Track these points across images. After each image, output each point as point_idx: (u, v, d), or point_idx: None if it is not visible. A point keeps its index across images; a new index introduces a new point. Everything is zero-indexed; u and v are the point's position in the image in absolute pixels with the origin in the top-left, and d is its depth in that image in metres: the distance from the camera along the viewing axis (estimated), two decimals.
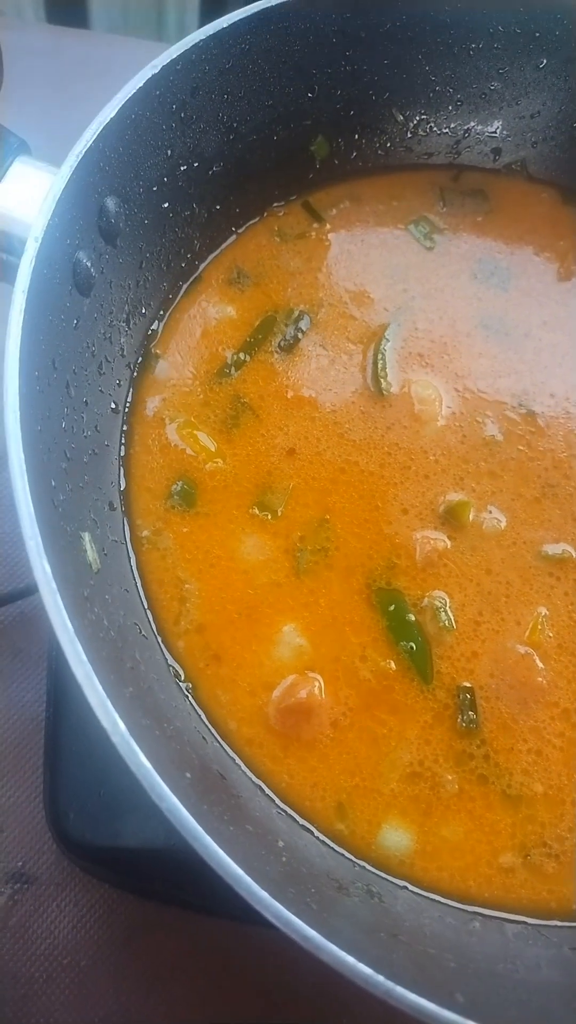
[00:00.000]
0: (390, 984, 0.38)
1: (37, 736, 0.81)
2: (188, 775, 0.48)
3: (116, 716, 0.41)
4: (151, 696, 0.54)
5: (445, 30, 0.74)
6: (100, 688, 0.42)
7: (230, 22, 0.63)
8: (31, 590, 0.84)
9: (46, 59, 1.20)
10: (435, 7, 0.72)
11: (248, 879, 0.41)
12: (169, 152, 0.66)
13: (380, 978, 0.38)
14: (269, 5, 0.65)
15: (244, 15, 0.64)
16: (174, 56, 0.61)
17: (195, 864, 0.56)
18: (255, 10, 0.64)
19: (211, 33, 0.63)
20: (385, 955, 0.45)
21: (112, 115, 0.57)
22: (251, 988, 0.76)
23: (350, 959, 0.38)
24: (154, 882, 0.72)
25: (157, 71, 0.60)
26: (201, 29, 0.62)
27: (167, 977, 0.77)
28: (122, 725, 0.41)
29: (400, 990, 0.39)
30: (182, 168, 0.68)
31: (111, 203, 0.61)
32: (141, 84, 0.59)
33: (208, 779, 0.52)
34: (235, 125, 0.70)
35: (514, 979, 0.50)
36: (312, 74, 0.72)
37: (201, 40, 0.62)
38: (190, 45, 0.62)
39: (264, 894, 0.40)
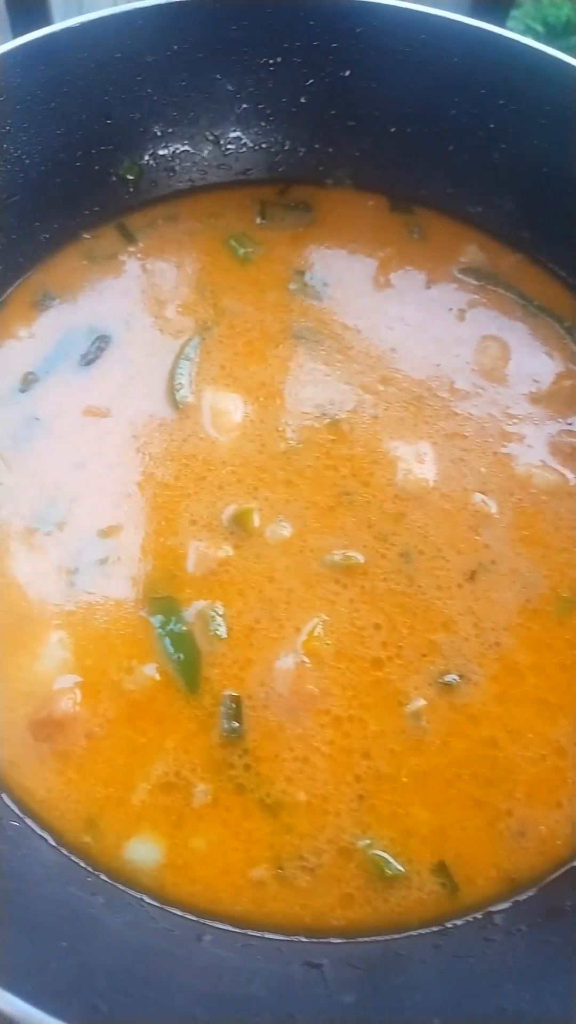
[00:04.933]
0: None
1: None
2: None
3: None
4: None
5: (237, 48, 0.76)
6: None
7: None
8: None
9: None
10: (221, 27, 0.74)
11: None
12: None
13: None
14: (35, 38, 0.67)
15: (7, 49, 0.66)
16: None
17: None
18: (19, 44, 0.67)
19: None
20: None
21: None
22: None
23: None
24: None
25: None
26: None
27: None
28: None
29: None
30: None
31: None
32: None
33: None
34: (23, 155, 0.72)
35: (209, 992, 0.49)
36: (104, 101, 0.74)
37: None
38: None
39: None
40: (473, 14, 0.87)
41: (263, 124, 0.82)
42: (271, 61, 0.77)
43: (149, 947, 0.52)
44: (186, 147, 0.81)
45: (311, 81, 0.79)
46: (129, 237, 0.80)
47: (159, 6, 0.71)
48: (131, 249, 0.80)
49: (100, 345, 0.74)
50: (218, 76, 0.77)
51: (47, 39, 0.68)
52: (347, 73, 0.78)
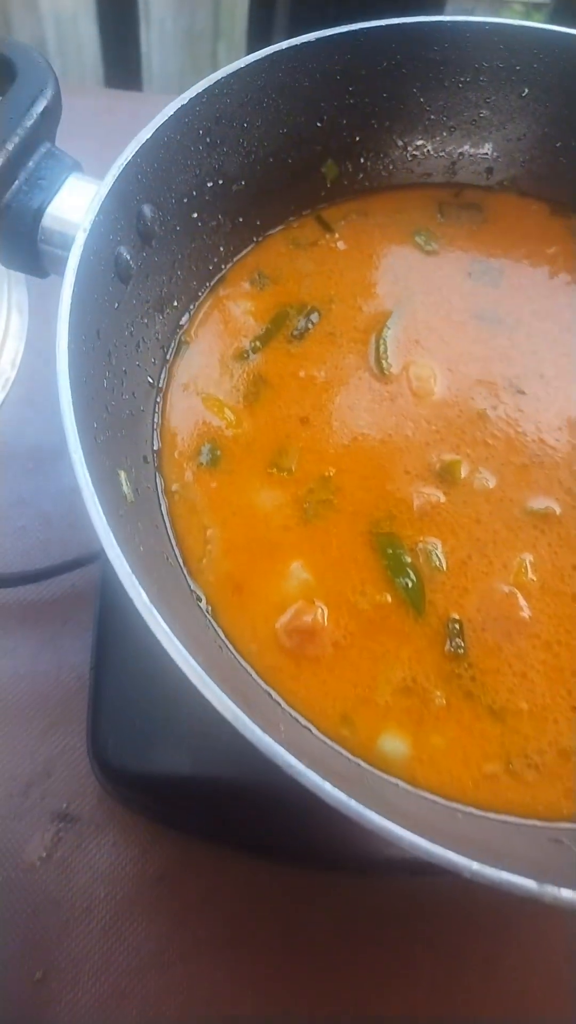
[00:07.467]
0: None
1: (84, 693, 0.90)
2: (201, 658, 0.56)
3: (140, 588, 0.51)
4: (172, 603, 0.63)
5: (436, 67, 0.86)
6: (128, 567, 0.51)
7: (246, 63, 0.76)
8: (81, 562, 0.94)
9: (103, 114, 1.37)
10: (425, 48, 0.84)
11: (255, 724, 0.49)
12: (197, 170, 0.78)
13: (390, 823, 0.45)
14: (279, 49, 0.78)
15: (257, 57, 0.77)
16: (200, 91, 0.74)
17: (219, 793, 0.64)
18: (267, 53, 0.77)
19: (231, 71, 0.75)
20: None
21: (148, 136, 0.70)
22: (274, 927, 0.83)
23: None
24: (184, 814, 0.80)
25: (185, 102, 0.73)
26: (223, 68, 0.75)
27: (195, 914, 0.84)
28: (145, 596, 0.51)
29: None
30: (209, 184, 0.80)
31: (147, 209, 0.73)
32: (172, 112, 0.72)
33: (219, 670, 0.61)
34: (254, 149, 0.82)
35: (485, 846, 0.56)
36: (320, 107, 0.85)
37: (223, 77, 0.75)
38: (213, 81, 0.74)
39: (268, 740, 0.48)
40: None
41: (444, 134, 0.92)
42: (462, 79, 0.88)
43: (420, 817, 0.60)
44: (377, 151, 0.91)
45: (493, 98, 0.89)
46: (327, 227, 0.90)
47: (380, 27, 0.81)
48: (328, 237, 0.90)
49: (311, 319, 0.84)
50: (415, 90, 0.88)
51: (289, 50, 0.78)
52: (525, 92, 0.89)
